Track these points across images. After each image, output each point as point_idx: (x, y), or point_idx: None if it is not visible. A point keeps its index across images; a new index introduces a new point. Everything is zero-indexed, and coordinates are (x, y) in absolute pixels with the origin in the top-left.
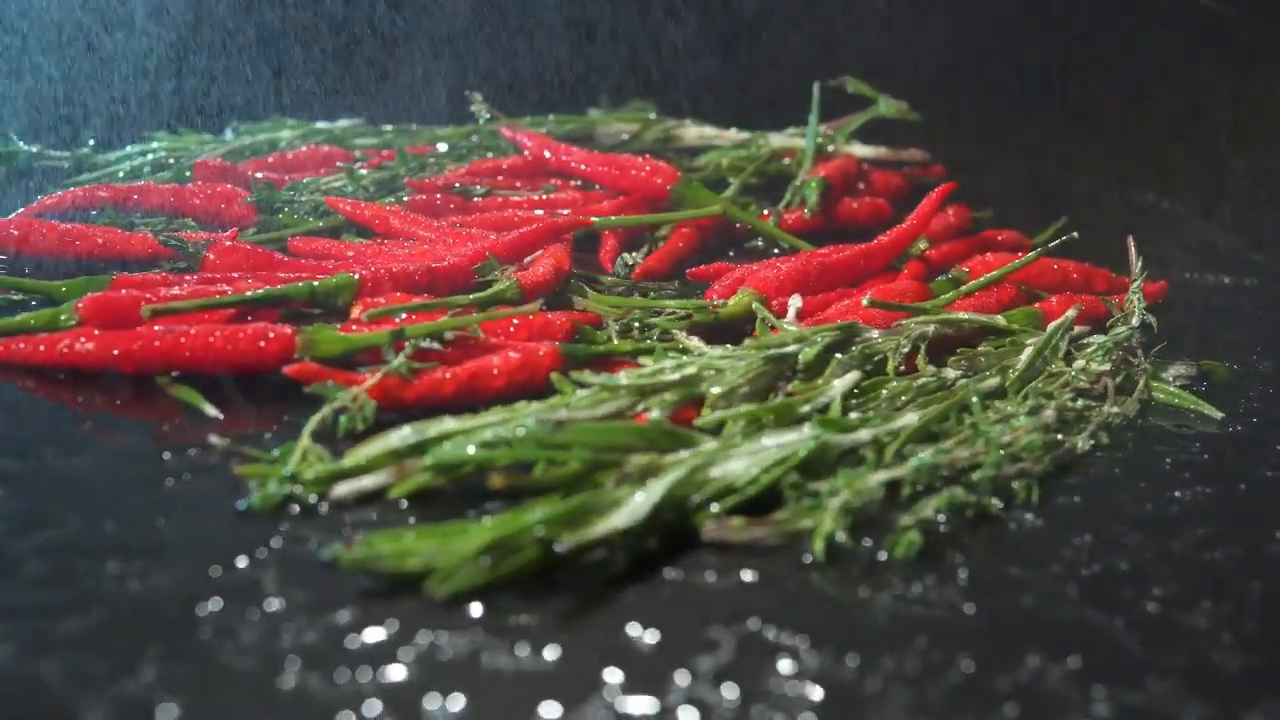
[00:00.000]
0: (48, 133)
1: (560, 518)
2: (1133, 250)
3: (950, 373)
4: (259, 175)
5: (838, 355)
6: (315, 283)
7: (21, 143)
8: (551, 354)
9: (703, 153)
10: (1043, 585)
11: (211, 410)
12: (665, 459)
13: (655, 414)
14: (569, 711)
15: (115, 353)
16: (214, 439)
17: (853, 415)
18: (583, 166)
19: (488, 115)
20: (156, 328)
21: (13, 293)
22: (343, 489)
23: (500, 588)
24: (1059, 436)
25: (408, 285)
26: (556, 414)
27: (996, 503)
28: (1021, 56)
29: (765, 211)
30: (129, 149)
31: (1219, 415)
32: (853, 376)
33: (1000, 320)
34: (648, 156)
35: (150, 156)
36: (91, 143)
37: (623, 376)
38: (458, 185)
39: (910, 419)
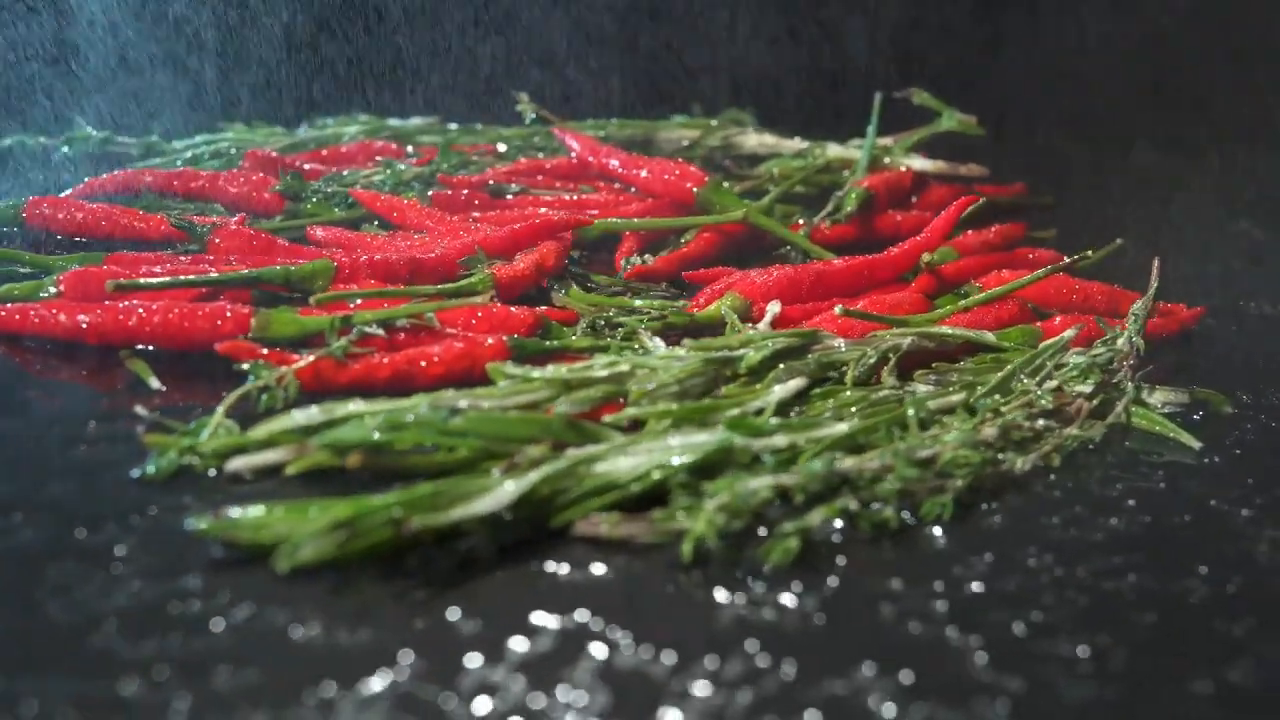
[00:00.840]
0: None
1: (417, 500)
2: (1155, 271)
3: (920, 387)
4: (307, 166)
5: (787, 363)
6: (291, 267)
7: (91, 128)
8: (497, 346)
9: (763, 161)
10: (911, 601)
11: (155, 383)
12: (562, 453)
13: (562, 408)
14: (344, 690)
15: (83, 325)
16: (139, 409)
17: (776, 420)
18: (619, 168)
19: (533, 115)
20: (123, 303)
21: (22, 267)
22: (238, 463)
23: (354, 567)
24: (1000, 455)
25: (389, 275)
26: (455, 401)
27: (900, 516)
28: (1130, 76)
29: (799, 221)
30: (197, 138)
31: (1196, 445)
32: (796, 383)
33: (989, 337)
34: (680, 161)
35: (211, 146)
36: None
37: (550, 370)
38: (491, 183)
39: (839, 428)
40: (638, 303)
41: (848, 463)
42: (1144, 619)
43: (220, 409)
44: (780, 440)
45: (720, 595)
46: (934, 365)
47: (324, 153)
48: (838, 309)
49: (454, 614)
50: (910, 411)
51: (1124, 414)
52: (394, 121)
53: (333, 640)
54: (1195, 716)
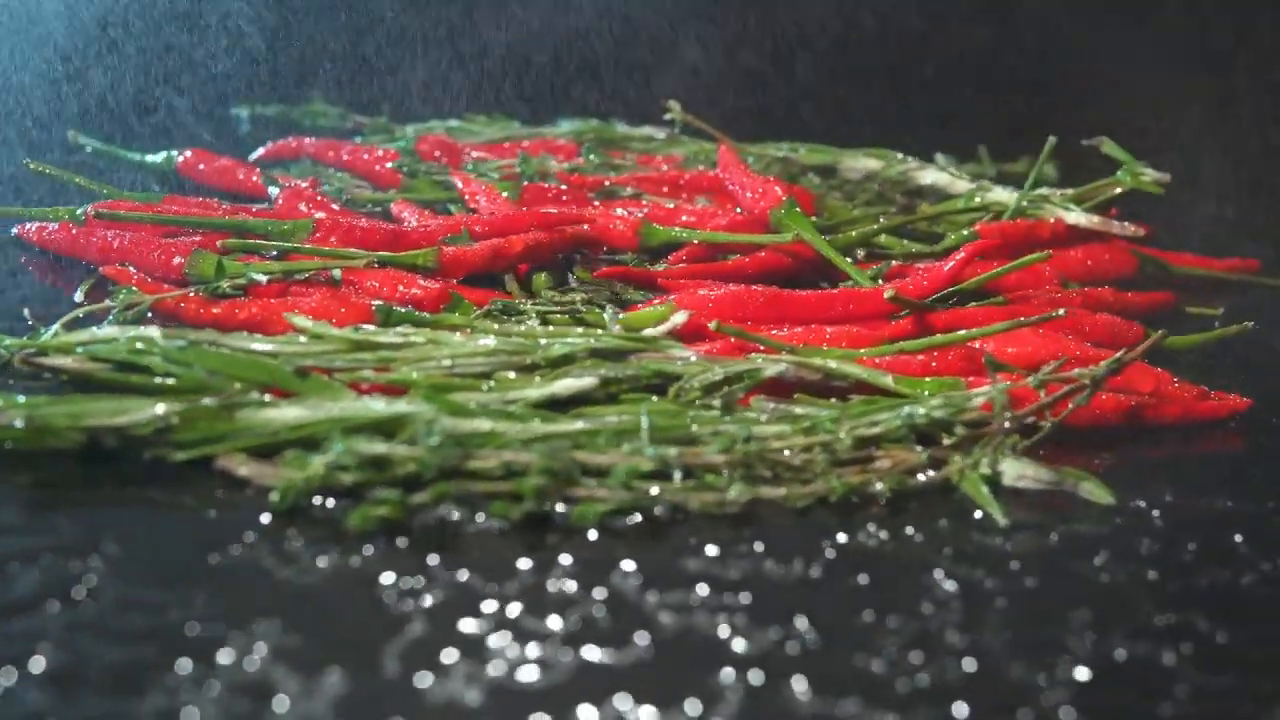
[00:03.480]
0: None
1: (53, 405)
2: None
3: (750, 414)
4: (473, 154)
5: (594, 360)
6: (271, 221)
7: (331, 106)
8: (359, 308)
9: (933, 197)
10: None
11: (80, 297)
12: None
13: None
14: None
15: (75, 243)
16: (26, 311)
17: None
18: (729, 183)
19: (678, 127)
20: (106, 232)
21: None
22: (43, 359)
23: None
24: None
25: (371, 243)
26: (191, 335)
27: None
28: None
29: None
30: (410, 127)
31: (1003, 521)
32: (583, 382)
33: (885, 379)
34: (774, 178)
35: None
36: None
37: (346, 331)
38: (608, 184)
39: (570, 426)
40: (577, 299)
41: (503, 456)
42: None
43: (59, 324)
44: (483, 424)
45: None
46: (796, 396)
47: (505, 145)
48: (712, 324)
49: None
50: (644, 421)
51: (953, 476)
52: (565, 125)
53: None
54: None
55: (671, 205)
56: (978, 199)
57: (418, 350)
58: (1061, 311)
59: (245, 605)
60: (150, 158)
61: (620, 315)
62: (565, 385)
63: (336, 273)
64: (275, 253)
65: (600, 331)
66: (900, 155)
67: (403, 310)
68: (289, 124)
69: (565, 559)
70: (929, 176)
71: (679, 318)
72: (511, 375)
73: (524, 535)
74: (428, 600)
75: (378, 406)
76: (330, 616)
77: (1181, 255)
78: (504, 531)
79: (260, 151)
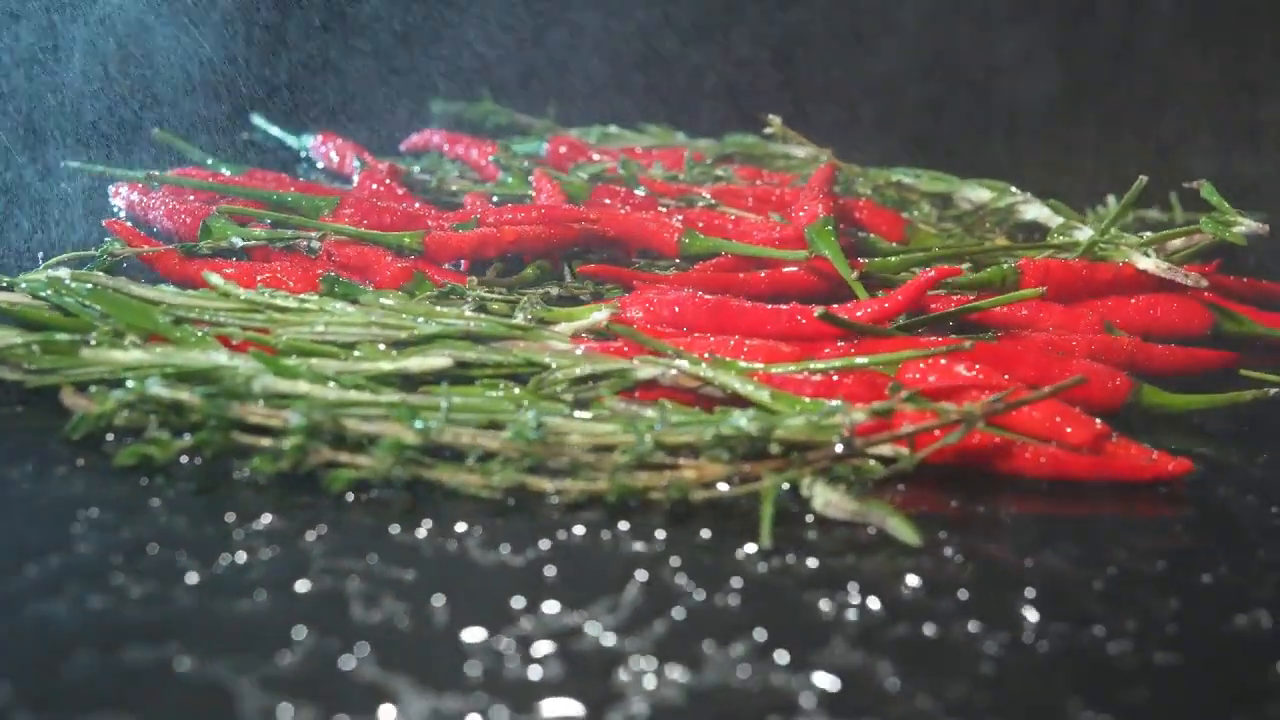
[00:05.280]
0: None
1: None
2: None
3: (619, 405)
4: (595, 156)
5: (465, 343)
6: (304, 195)
7: (495, 104)
8: (312, 277)
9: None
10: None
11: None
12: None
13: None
14: None
15: (136, 206)
16: (40, 255)
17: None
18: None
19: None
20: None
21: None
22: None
23: None
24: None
25: (390, 224)
26: (103, 280)
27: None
28: None
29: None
30: (575, 130)
31: (765, 544)
32: (435, 361)
33: (763, 395)
34: (824, 198)
35: (590, 134)
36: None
37: (245, 294)
38: (704, 195)
39: (377, 397)
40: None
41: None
42: None
43: (51, 260)
44: (301, 386)
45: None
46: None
47: (638, 150)
48: (606, 323)
49: None
50: (443, 403)
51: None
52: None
53: None
54: None
55: (734, 217)
56: (1060, 237)
57: (300, 316)
58: (968, 344)
59: None
60: (295, 140)
61: (538, 307)
62: (418, 362)
63: (315, 243)
64: (269, 221)
65: (483, 316)
66: (1014, 189)
67: (346, 282)
68: (465, 121)
69: (266, 517)
70: (1031, 211)
71: (598, 315)
72: (381, 348)
73: (280, 490)
74: (123, 533)
75: (207, 357)
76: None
77: (1271, 316)
78: (260, 485)
79: (409, 141)
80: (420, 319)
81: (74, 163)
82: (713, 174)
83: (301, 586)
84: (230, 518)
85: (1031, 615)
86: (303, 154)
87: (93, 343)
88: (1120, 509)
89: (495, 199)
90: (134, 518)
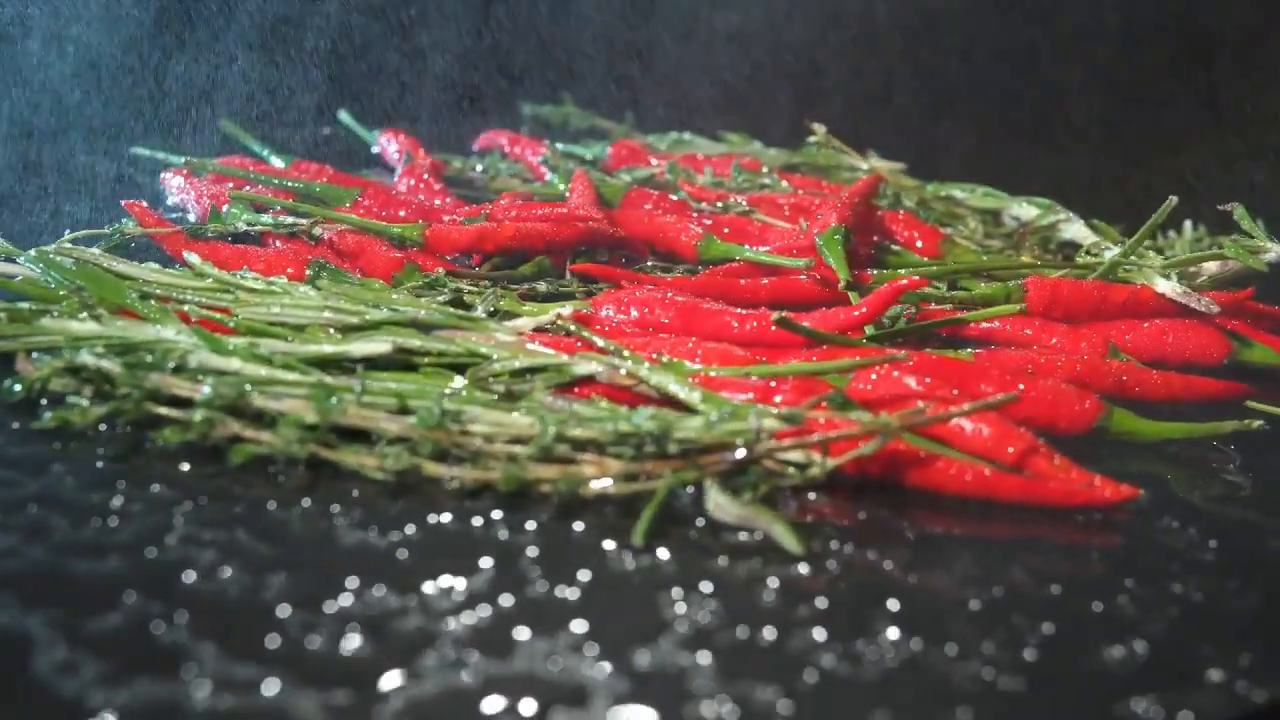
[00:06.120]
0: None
1: None
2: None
3: (548, 399)
4: (653, 161)
5: (412, 330)
6: (331, 186)
7: (575, 107)
8: (293, 262)
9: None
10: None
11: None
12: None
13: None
14: None
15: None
16: (67, 233)
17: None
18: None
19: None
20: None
21: None
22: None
23: None
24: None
25: (397, 216)
26: (87, 255)
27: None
28: None
29: None
30: (652, 136)
31: (638, 541)
32: (375, 346)
33: (680, 395)
34: (885, 212)
35: (663, 140)
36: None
37: (216, 273)
38: (740, 201)
39: (287, 375)
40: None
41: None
42: None
43: (72, 234)
44: (232, 363)
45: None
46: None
47: (699, 157)
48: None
49: None
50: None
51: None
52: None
53: None
54: None
55: (761, 223)
56: (1088, 256)
57: (262, 298)
58: (902, 354)
59: None
60: (368, 137)
61: (501, 300)
62: (359, 346)
63: (318, 230)
64: (279, 208)
65: (436, 306)
66: (1059, 207)
67: (332, 268)
68: (551, 123)
69: (155, 486)
70: (1071, 230)
71: (564, 310)
72: (330, 331)
73: (183, 463)
74: (16, 490)
75: (152, 331)
76: None
77: None
78: (169, 456)
79: (478, 141)
80: (371, 305)
81: (142, 149)
82: (758, 182)
83: (151, 553)
84: (121, 484)
85: (890, 631)
86: (374, 149)
87: (55, 314)
88: (1046, 532)
89: (534, 198)
90: (31, 478)
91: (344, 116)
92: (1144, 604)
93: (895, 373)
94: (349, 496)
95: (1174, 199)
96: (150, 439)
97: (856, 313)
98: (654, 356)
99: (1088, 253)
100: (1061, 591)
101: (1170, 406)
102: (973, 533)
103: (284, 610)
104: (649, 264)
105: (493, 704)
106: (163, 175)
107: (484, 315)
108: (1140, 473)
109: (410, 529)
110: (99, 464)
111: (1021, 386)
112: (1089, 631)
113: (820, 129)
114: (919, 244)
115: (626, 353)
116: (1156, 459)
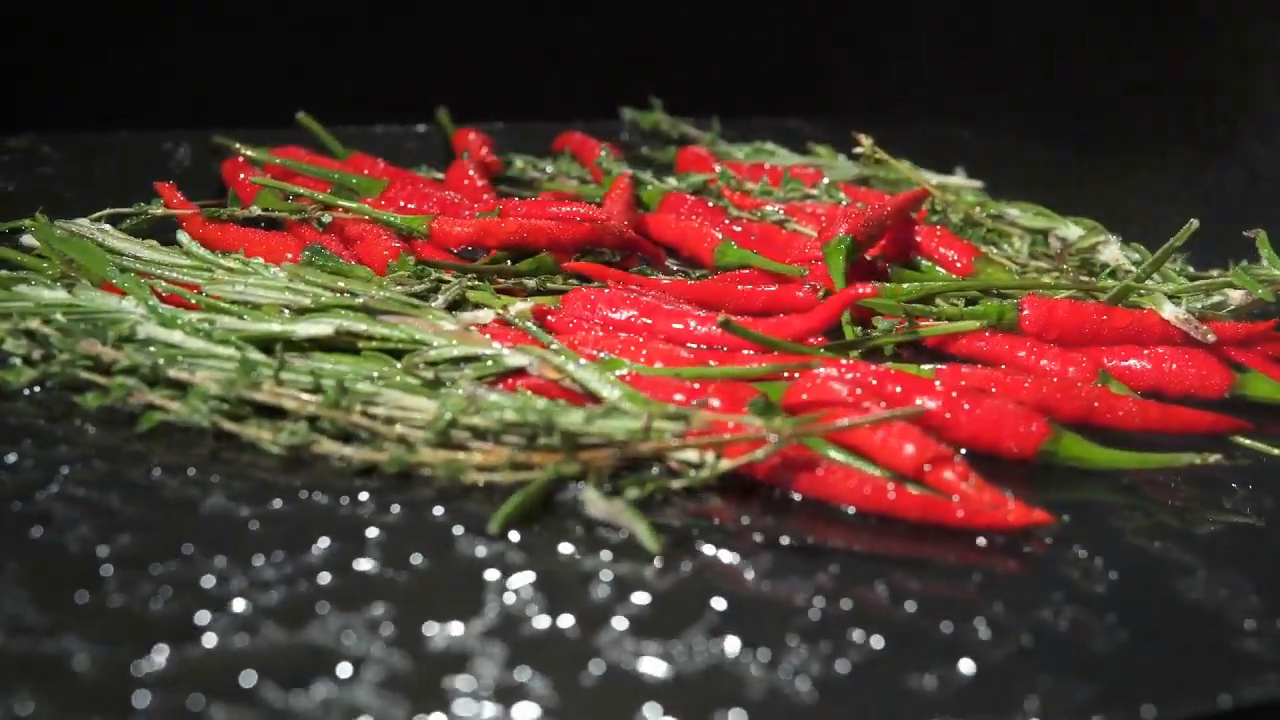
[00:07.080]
0: None
1: None
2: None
3: (472, 388)
4: (717, 168)
5: (359, 315)
6: (361, 176)
7: (664, 114)
8: (296, 247)
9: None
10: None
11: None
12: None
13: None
14: None
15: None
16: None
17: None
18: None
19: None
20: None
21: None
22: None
23: None
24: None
25: (422, 209)
26: (81, 230)
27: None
28: None
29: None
30: (738, 147)
31: (493, 529)
32: (319, 328)
33: (612, 395)
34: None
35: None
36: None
37: (211, 254)
38: (777, 210)
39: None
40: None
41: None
42: None
43: (94, 215)
44: (175, 336)
45: None
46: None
47: (765, 167)
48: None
49: None
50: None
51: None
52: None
53: None
54: None
55: (788, 232)
56: (1109, 279)
57: (233, 277)
58: (820, 368)
59: None
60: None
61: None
62: (304, 327)
63: (326, 217)
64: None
65: (388, 293)
66: (1102, 229)
67: (325, 252)
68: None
69: (61, 448)
70: (1108, 252)
71: (522, 306)
72: (285, 313)
73: (92, 425)
74: None
75: (112, 303)
76: None
77: None
78: (89, 416)
79: (556, 141)
80: (327, 289)
81: (221, 139)
82: (803, 190)
83: (15, 508)
84: (26, 444)
85: (701, 632)
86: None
87: (33, 282)
88: (937, 551)
89: (566, 198)
90: None
91: (442, 115)
92: (998, 629)
93: (830, 382)
94: (240, 469)
95: (1195, 222)
96: (76, 403)
97: (809, 321)
98: (593, 354)
99: (1112, 275)
100: (915, 610)
101: (1153, 437)
102: (851, 545)
103: (107, 569)
104: (673, 266)
105: (248, 678)
106: (223, 163)
107: (440, 305)
108: (1076, 500)
109: (278, 503)
110: (17, 424)
111: (966, 406)
112: (919, 651)
113: (867, 141)
114: (956, 260)
115: (557, 346)
116: (1107, 488)
